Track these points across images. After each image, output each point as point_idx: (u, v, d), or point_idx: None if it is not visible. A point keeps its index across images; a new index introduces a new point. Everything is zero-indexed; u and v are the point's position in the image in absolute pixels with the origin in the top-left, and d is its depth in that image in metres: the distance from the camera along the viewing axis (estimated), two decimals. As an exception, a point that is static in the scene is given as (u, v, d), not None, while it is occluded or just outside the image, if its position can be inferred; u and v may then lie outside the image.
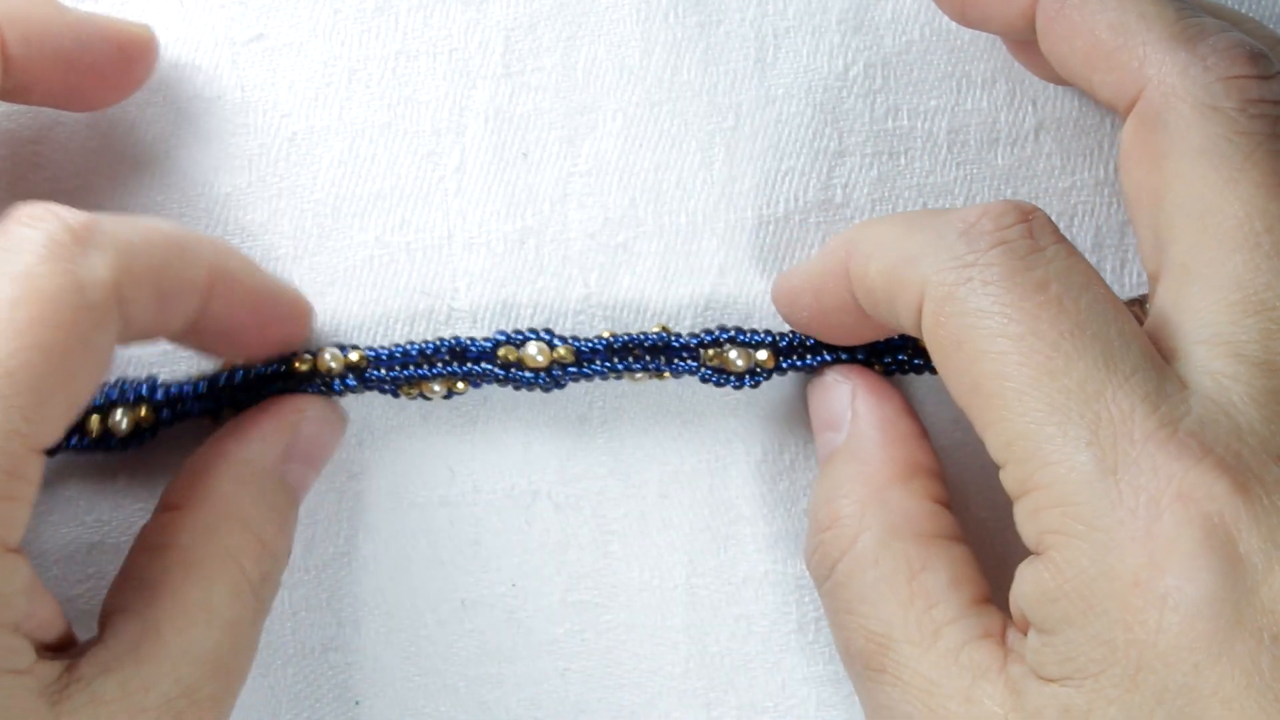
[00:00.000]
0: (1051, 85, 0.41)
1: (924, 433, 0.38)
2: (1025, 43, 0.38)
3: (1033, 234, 0.33)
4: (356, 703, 0.40)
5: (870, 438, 0.37)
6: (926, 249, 0.33)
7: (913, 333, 0.34)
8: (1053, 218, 0.41)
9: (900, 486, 0.36)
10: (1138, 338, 0.32)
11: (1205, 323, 0.32)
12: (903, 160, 0.41)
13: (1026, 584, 0.32)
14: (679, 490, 0.41)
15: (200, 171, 0.40)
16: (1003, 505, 0.33)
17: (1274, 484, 0.30)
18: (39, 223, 0.32)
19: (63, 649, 0.33)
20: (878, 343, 0.39)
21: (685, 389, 0.41)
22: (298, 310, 0.39)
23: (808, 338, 0.39)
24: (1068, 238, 0.34)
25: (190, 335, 0.36)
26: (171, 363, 0.40)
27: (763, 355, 0.39)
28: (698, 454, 0.41)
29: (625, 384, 0.40)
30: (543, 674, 0.40)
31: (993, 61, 0.41)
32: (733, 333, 0.39)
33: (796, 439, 0.41)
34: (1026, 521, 0.32)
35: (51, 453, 0.38)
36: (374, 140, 0.41)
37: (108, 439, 0.38)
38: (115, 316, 0.32)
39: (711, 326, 0.40)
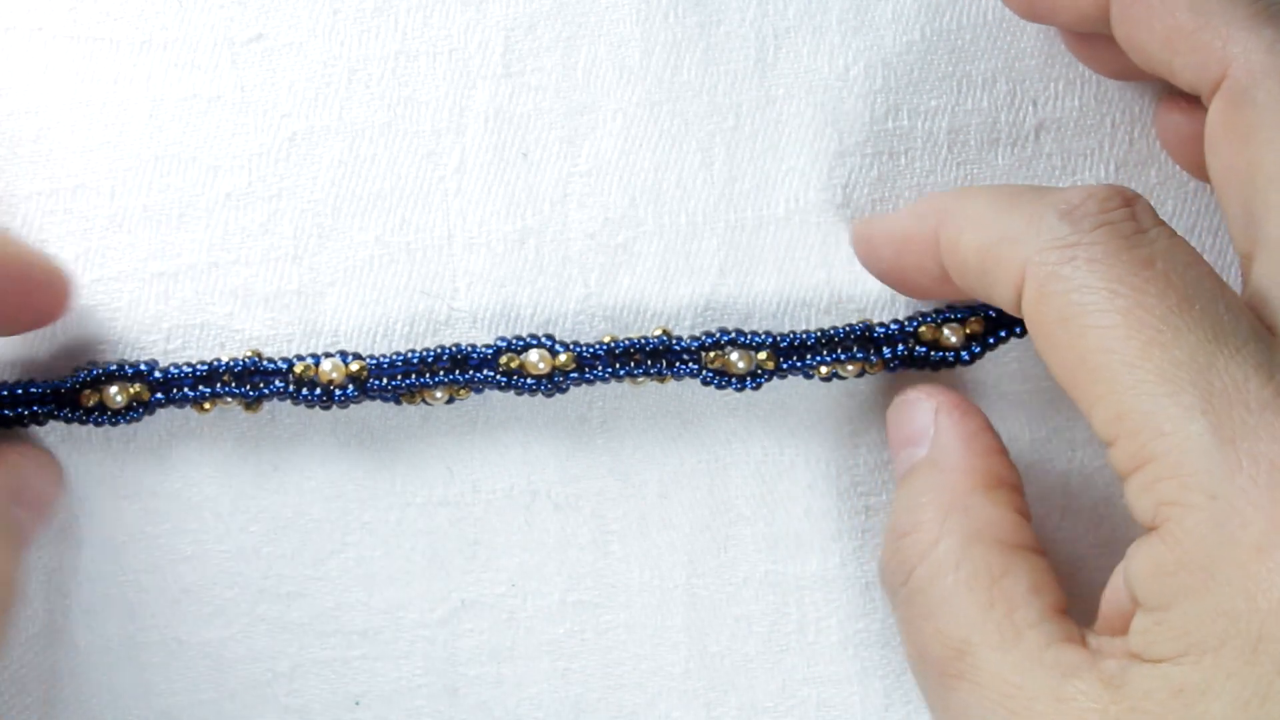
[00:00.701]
0: (1052, 85, 0.41)
1: (1005, 449, 0.38)
2: (1089, 36, 0.38)
3: (1136, 216, 0.33)
4: (356, 703, 0.40)
5: (953, 449, 0.37)
6: (1028, 229, 0.33)
7: (1008, 309, 0.34)
8: (1053, 218, 0.41)
9: (982, 495, 0.36)
10: (1245, 313, 0.32)
11: None
12: (903, 160, 0.41)
13: (1141, 561, 0.32)
14: (679, 490, 0.41)
15: (200, 171, 0.40)
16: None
17: None
18: None
19: None
20: (876, 336, 0.39)
21: (685, 389, 0.41)
22: (54, 281, 0.38)
23: (809, 338, 0.39)
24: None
25: None
26: (173, 355, 0.40)
27: (763, 356, 0.39)
28: (698, 454, 0.41)
29: (626, 385, 0.40)
30: (543, 674, 0.40)
31: (993, 61, 0.41)
32: (733, 334, 0.39)
33: (796, 439, 0.41)
34: (1141, 496, 0.32)
35: (41, 421, 0.39)
36: (374, 140, 0.41)
37: (101, 413, 0.38)
38: None
39: (712, 328, 0.40)
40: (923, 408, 0.38)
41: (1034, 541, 0.36)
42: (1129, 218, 0.33)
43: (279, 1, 0.40)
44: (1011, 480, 0.37)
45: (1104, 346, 0.32)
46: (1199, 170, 0.37)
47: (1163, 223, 0.33)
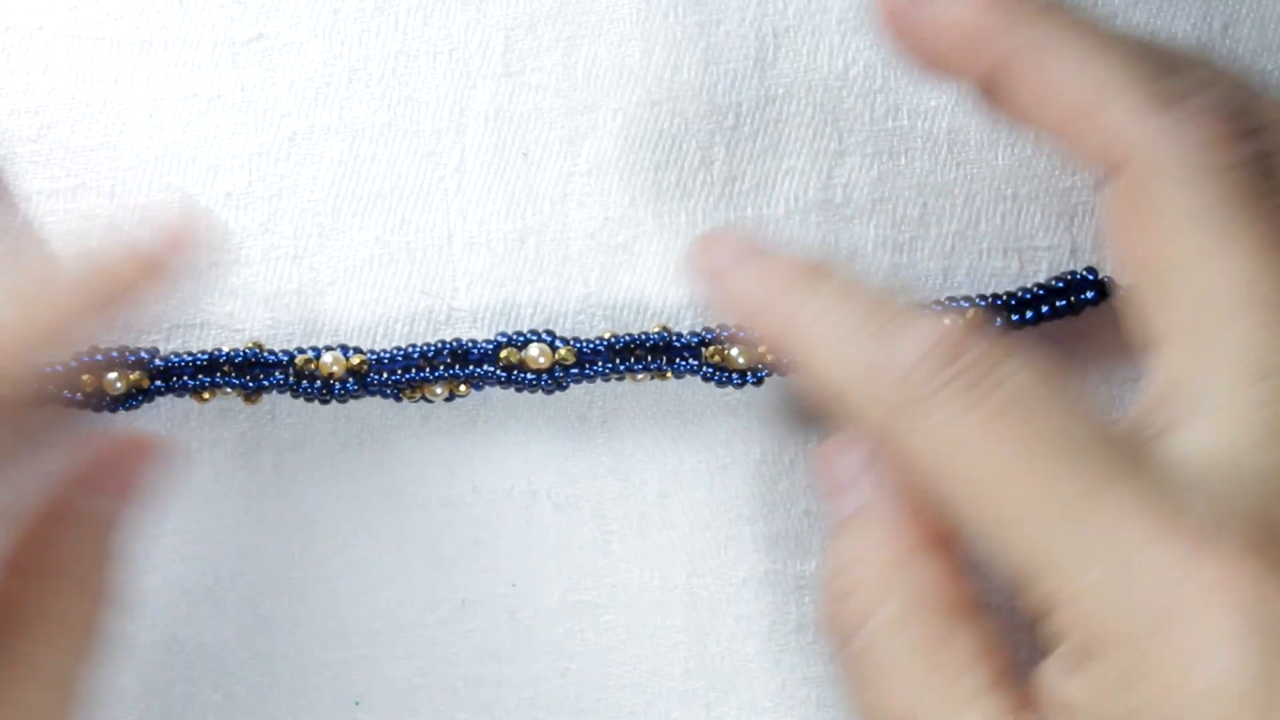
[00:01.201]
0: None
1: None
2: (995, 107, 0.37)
3: (980, 360, 0.32)
4: (356, 703, 0.40)
5: (888, 504, 0.35)
6: (879, 382, 0.32)
7: None
8: (1053, 218, 0.41)
9: (922, 554, 0.34)
10: (1118, 436, 0.31)
11: (1210, 392, 0.31)
12: (903, 160, 0.41)
13: (1061, 701, 0.31)
14: (679, 490, 0.41)
15: (200, 171, 0.40)
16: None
17: None
18: None
19: None
20: None
21: (685, 389, 0.41)
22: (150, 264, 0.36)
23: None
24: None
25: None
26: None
27: (764, 351, 0.39)
28: (698, 454, 0.41)
29: (626, 384, 0.40)
30: (543, 674, 0.40)
31: (993, 61, 0.41)
32: (733, 329, 0.39)
33: (796, 439, 0.41)
34: (1055, 639, 0.31)
35: (40, 404, 0.39)
36: (374, 140, 0.41)
37: (100, 399, 0.38)
38: None
39: (711, 325, 0.40)
40: (851, 455, 0.36)
41: (978, 598, 0.34)
42: (972, 366, 0.32)
43: (279, 1, 0.41)
44: (950, 532, 0.35)
45: (983, 507, 0.31)
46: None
47: (1013, 350, 0.32)
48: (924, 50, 0.35)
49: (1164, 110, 0.33)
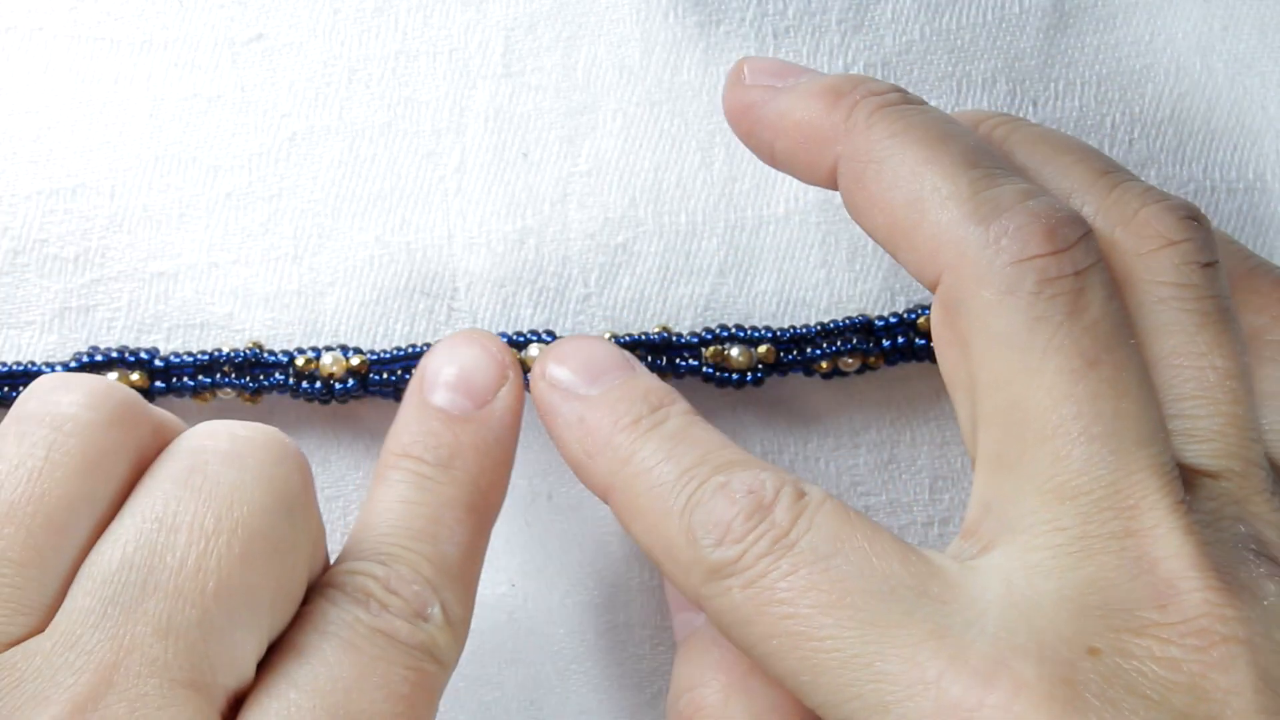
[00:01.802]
0: (1052, 85, 0.41)
1: None
2: None
3: (776, 522, 0.32)
4: (356, 703, 0.40)
5: None
6: (688, 557, 0.32)
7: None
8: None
9: (764, 674, 0.34)
10: (908, 575, 0.31)
11: (1022, 513, 0.31)
12: (903, 160, 0.41)
13: None
14: (679, 490, 0.41)
15: (200, 171, 0.40)
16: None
17: (1086, 681, 0.29)
18: None
19: None
20: (875, 326, 0.40)
21: (685, 388, 0.40)
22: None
23: (809, 332, 0.39)
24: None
25: None
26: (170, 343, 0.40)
27: (764, 351, 0.39)
28: (698, 454, 0.41)
29: (625, 384, 0.40)
30: (543, 674, 0.40)
31: (993, 61, 0.41)
32: (733, 330, 0.39)
33: (796, 439, 0.41)
34: None
35: None
36: (374, 140, 0.41)
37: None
38: None
39: (712, 325, 0.40)
40: None
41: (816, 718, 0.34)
42: (770, 528, 0.32)
43: (279, 1, 0.41)
44: None
45: (787, 670, 0.31)
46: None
47: (804, 506, 0.32)
48: (768, 150, 0.35)
49: (980, 225, 0.32)
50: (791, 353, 0.39)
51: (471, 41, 0.41)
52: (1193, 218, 0.33)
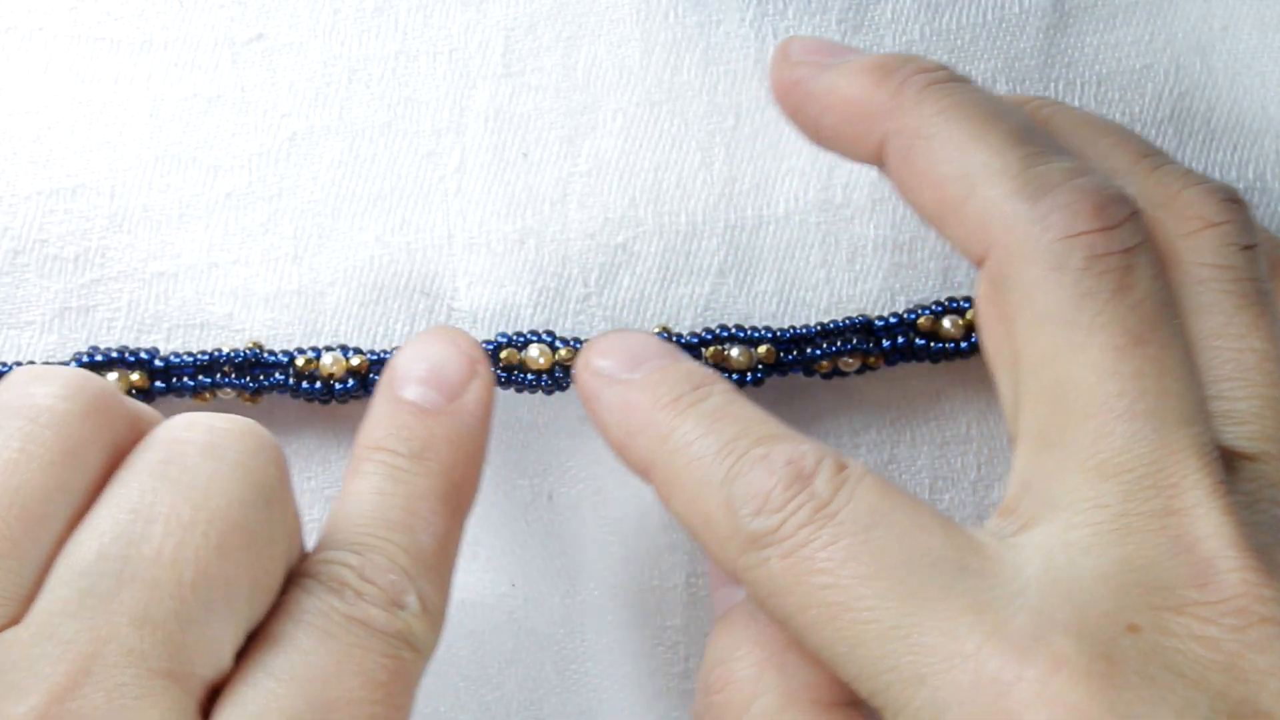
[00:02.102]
0: (1052, 85, 0.41)
1: None
2: None
3: (816, 492, 0.32)
4: (356, 703, 0.40)
5: None
6: (727, 527, 0.32)
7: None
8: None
9: (799, 650, 0.34)
10: (948, 549, 0.31)
11: (1064, 490, 0.31)
12: (903, 160, 0.41)
13: None
14: (679, 490, 0.41)
15: (200, 171, 0.40)
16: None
17: (1125, 657, 0.29)
18: None
19: None
20: (875, 326, 0.40)
21: (685, 389, 0.41)
22: None
23: (809, 332, 0.39)
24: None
25: None
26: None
27: (763, 351, 0.39)
28: (698, 454, 0.41)
29: (625, 384, 0.40)
30: (543, 674, 0.40)
31: (993, 61, 0.41)
32: (733, 330, 0.39)
33: (797, 439, 0.41)
34: None
35: None
36: (374, 140, 0.41)
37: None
38: None
39: (711, 325, 0.40)
40: None
41: (853, 695, 0.34)
42: (810, 498, 0.32)
43: (279, 1, 0.41)
44: None
45: (824, 640, 0.31)
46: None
47: (845, 478, 0.32)
48: (814, 127, 0.36)
49: (1028, 201, 0.32)
50: (791, 353, 0.39)
51: (471, 41, 0.41)
52: (1233, 200, 0.34)
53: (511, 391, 0.40)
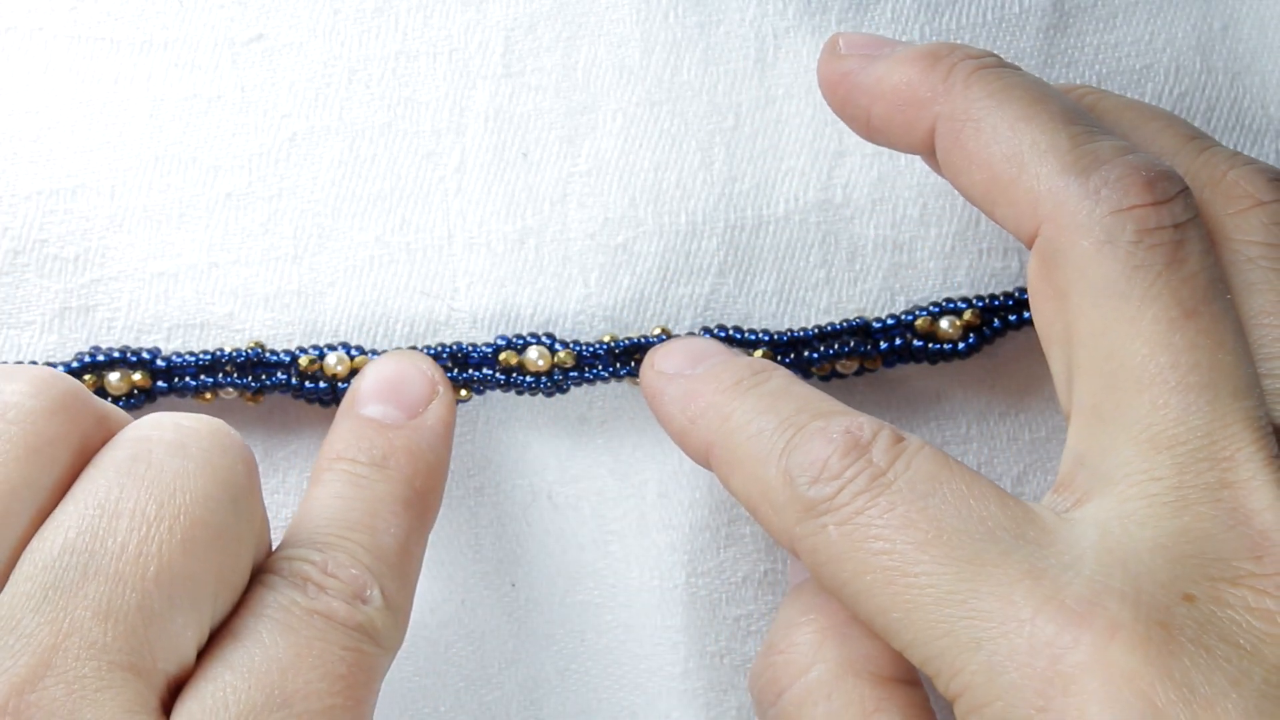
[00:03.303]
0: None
1: None
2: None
3: (874, 461, 0.32)
4: (356, 703, 0.40)
5: None
6: (784, 496, 0.33)
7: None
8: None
9: (861, 623, 0.34)
10: (1003, 517, 0.31)
11: (1118, 463, 0.32)
12: (903, 160, 0.41)
13: None
14: (679, 490, 0.41)
15: (200, 171, 0.40)
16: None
17: (1182, 625, 0.30)
18: None
19: None
20: (873, 328, 0.40)
21: (685, 389, 0.41)
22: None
23: (806, 334, 0.39)
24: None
25: None
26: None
27: (761, 354, 0.39)
28: (698, 454, 0.41)
29: (626, 385, 0.40)
30: (543, 674, 0.40)
31: (993, 61, 0.41)
32: (730, 332, 0.39)
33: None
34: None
35: None
36: (374, 140, 0.41)
37: (101, 398, 0.38)
38: None
39: (711, 325, 0.40)
40: None
41: (911, 672, 0.35)
42: (866, 465, 0.32)
43: (279, 1, 0.41)
44: None
45: (879, 607, 0.32)
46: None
47: (903, 448, 0.33)
48: (863, 119, 0.36)
49: (1079, 177, 0.33)
50: (789, 356, 0.39)
51: (471, 41, 0.41)
52: None
53: (512, 394, 0.40)
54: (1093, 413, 0.32)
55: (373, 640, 0.32)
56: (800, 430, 0.34)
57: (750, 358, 0.37)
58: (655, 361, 0.38)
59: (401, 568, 0.34)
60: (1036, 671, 0.30)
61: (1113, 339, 0.32)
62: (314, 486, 0.35)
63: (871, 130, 0.36)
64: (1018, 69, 0.35)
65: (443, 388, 0.37)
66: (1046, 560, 0.31)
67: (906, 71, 0.35)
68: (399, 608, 0.34)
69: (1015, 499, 0.32)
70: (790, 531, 0.33)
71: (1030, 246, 0.34)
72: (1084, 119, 0.34)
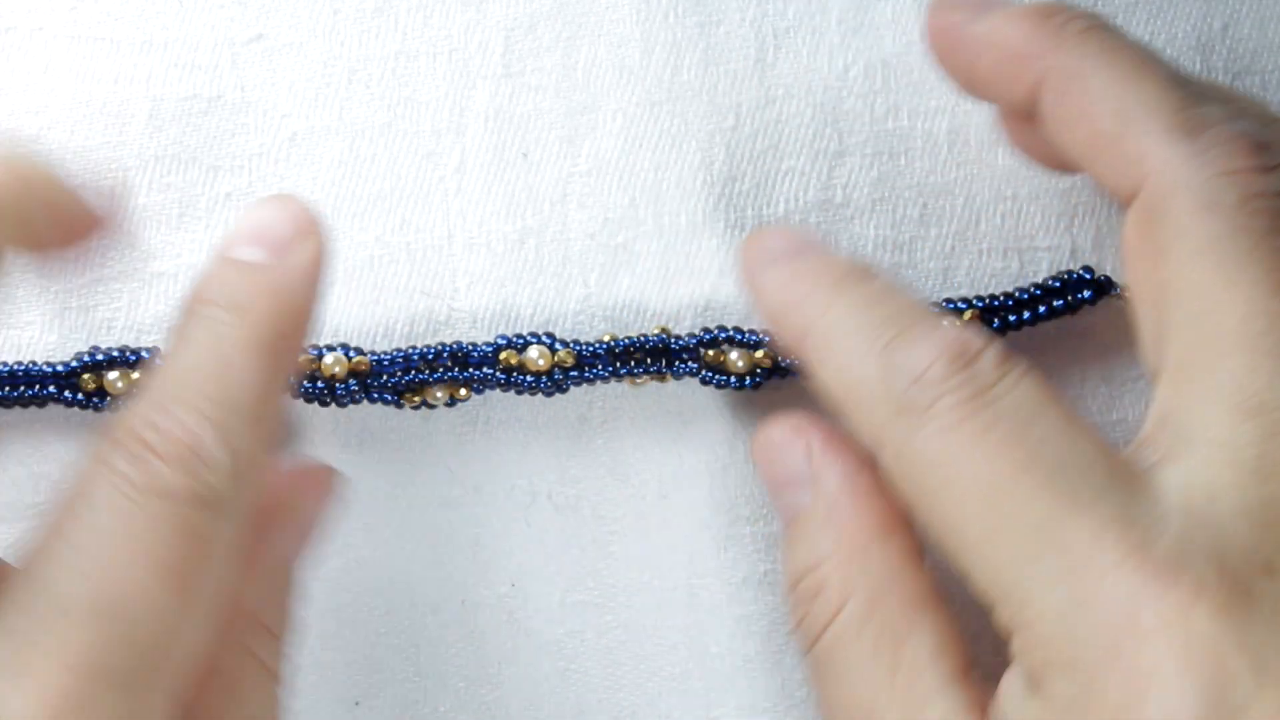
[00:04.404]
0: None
1: (886, 485, 0.35)
2: (1025, 129, 0.37)
3: (978, 375, 0.32)
4: (356, 703, 0.40)
5: (842, 497, 0.36)
6: (879, 392, 0.33)
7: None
8: (1053, 218, 0.41)
9: (880, 545, 0.35)
10: (1100, 458, 0.31)
11: (1204, 425, 0.31)
12: (903, 160, 0.41)
13: (1016, 715, 0.32)
14: (679, 490, 0.41)
15: (200, 171, 0.40)
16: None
17: (1262, 596, 0.29)
18: None
19: None
20: None
21: (685, 389, 0.41)
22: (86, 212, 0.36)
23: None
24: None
25: None
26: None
27: (761, 355, 0.39)
28: (697, 454, 0.41)
29: (625, 385, 0.40)
30: (543, 675, 0.40)
31: (993, 61, 0.41)
32: (732, 332, 0.39)
33: (796, 439, 0.41)
34: (1018, 657, 0.32)
35: (41, 404, 0.38)
36: (374, 140, 0.41)
37: (100, 399, 0.38)
38: None
39: (711, 326, 0.40)
40: (795, 448, 0.36)
41: (934, 589, 0.35)
42: (972, 378, 0.32)
43: (279, 1, 0.41)
44: (902, 519, 0.35)
45: (959, 521, 0.32)
46: (1039, 160, 0.38)
47: (1010, 366, 0.32)
48: (968, 69, 0.36)
49: (1186, 138, 0.33)
50: (790, 357, 0.39)
51: (471, 41, 0.41)
52: None
53: (512, 393, 0.40)
54: (1181, 372, 0.32)
55: (212, 509, 0.31)
56: (904, 330, 0.33)
57: (856, 257, 0.37)
58: (761, 237, 0.37)
59: (256, 416, 0.33)
60: (1113, 619, 0.30)
61: (1209, 299, 0.32)
62: (171, 335, 0.34)
63: (974, 82, 0.36)
64: (1127, 34, 0.35)
65: (316, 229, 0.35)
66: (1138, 510, 0.30)
67: (1019, 25, 0.35)
68: (251, 461, 0.32)
69: (1111, 444, 0.32)
70: (878, 428, 0.33)
71: (1127, 205, 0.34)
72: (1193, 84, 0.34)
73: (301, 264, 0.34)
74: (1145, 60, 0.34)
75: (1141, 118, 0.33)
